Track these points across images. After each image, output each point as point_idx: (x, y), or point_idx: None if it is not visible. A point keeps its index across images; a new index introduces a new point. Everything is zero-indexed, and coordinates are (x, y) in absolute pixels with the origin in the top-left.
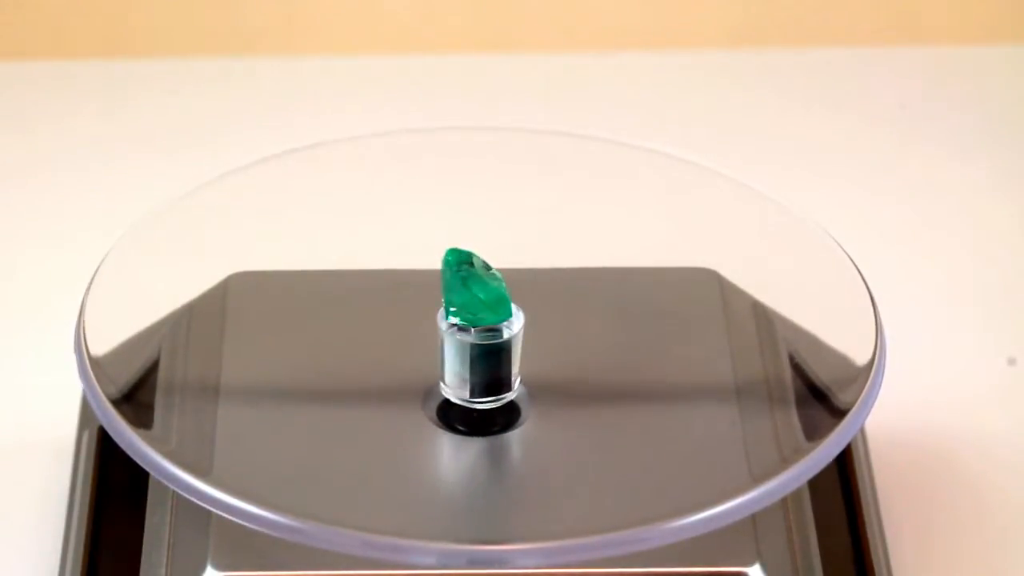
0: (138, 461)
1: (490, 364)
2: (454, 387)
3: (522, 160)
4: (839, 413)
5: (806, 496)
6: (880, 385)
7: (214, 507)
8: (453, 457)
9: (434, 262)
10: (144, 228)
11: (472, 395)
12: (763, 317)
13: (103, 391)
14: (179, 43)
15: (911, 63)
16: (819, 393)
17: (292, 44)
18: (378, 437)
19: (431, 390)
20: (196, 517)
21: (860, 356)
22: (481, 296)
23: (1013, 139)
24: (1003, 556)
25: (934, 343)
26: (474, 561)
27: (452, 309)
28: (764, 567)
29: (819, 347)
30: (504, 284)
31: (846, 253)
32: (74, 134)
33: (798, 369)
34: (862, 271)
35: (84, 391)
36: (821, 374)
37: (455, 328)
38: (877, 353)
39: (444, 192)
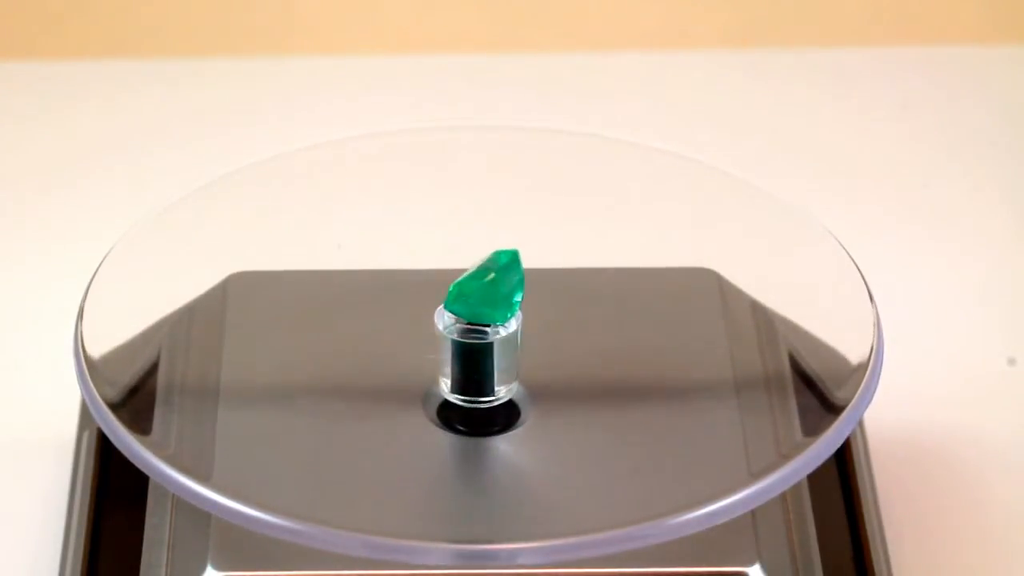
0: (138, 465)
1: (489, 364)
2: (453, 387)
3: (522, 160)
4: (837, 410)
5: (806, 496)
6: (878, 380)
7: (214, 510)
8: (453, 457)
9: (434, 262)
10: (144, 228)
11: (471, 395)
12: (763, 317)
13: (101, 395)
14: (179, 43)
15: (911, 63)
16: (818, 391)
17: (292, 44)
18: (378, 438)
19: (431, 390)
20: (196, 517)
21: (859, 355)
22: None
23: (1013, 139)
24: (1003, 556)
25: (934, 343)
26: (474, 560)
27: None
28: (764, 567)
29: (818, 346)
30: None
31: (846, 252)
32: (74, 134)
33: (797, 368)
34: (862, 270)
35: (83, 395)
36: (820, 373)
37: (454, 327)
38: (875, 348)
39: (444, 192)
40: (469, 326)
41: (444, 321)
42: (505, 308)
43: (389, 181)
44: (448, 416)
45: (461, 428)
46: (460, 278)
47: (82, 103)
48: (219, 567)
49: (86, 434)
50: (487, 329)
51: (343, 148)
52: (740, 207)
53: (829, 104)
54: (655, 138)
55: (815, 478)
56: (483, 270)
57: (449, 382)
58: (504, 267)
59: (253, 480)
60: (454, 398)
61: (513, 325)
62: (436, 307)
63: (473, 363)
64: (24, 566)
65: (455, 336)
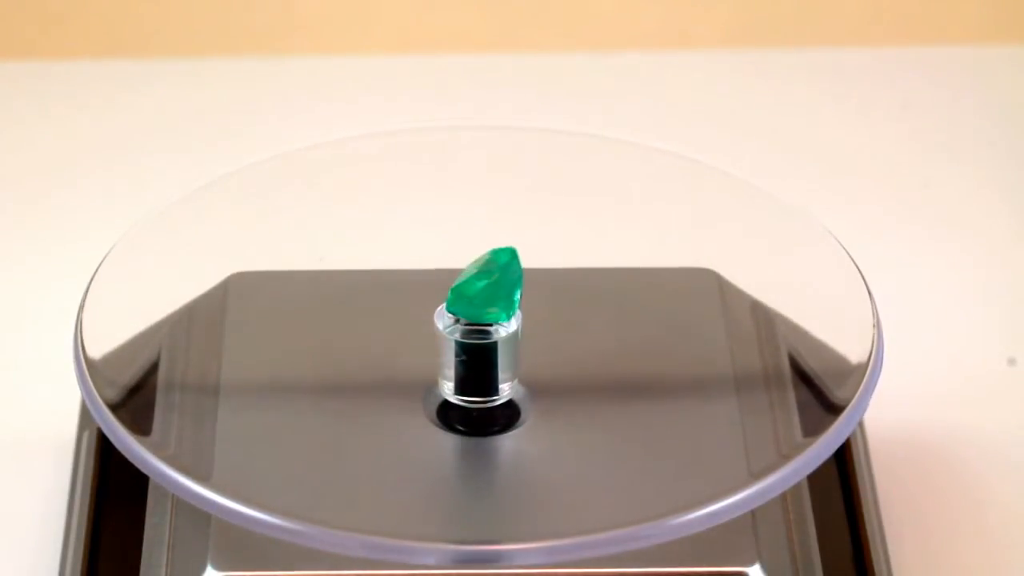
0: (137, 466)
1: (488, 364)
2: (453, 387)
3: (522, 160)
4: (837, 410)
5: (806, 496)
6: (877, 380)
7: (214, 511)
8: (453, 457)
9: (434, 262)
10: (144, 228)
11: (470, 395)
12: (763, 317)
13: (101, 395)
14: (179, 43)
15: (911, 63)
16: (818, 392)
17: (292, 44)
18: (378, 438)
19: (431, 390)
20: (196, 517)
21: (859, 355)
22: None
23: (1013, 139)
24: (1003, 556)
25: (934, 343)
26: (474, 560)
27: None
28: (764, 567)
29: (818, 347)
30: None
31: (846, 252)
32: (74, 134)
33: (797, 368)
34: (862, 270)
35: (83, 395)
36: (820, 373)
37: (456, 328)
38: (874, 348)
39: (443, 192)
40: (472, 326)
41: (444, 322)
42: (507, 306)
43: (389, 181)
44: (448, 416)
45: (461, 428)
46: (460, 279)
47: (82, 103)
48: (219, 567)
49: (86, 434)
50: (490, 328)
51: (343, 148)
52: (740, 207)
53: (829, 104)
54: (655, 138)
55: (815, 478)
56: (484, 271)
57: (449, 383)
58: (504, 266)
59: (253, 480)
60: (456, 399)
61: (515, 323)
62: (436, 307)
63: (478, 363)
64: (24, 566)
65: (459, 337)
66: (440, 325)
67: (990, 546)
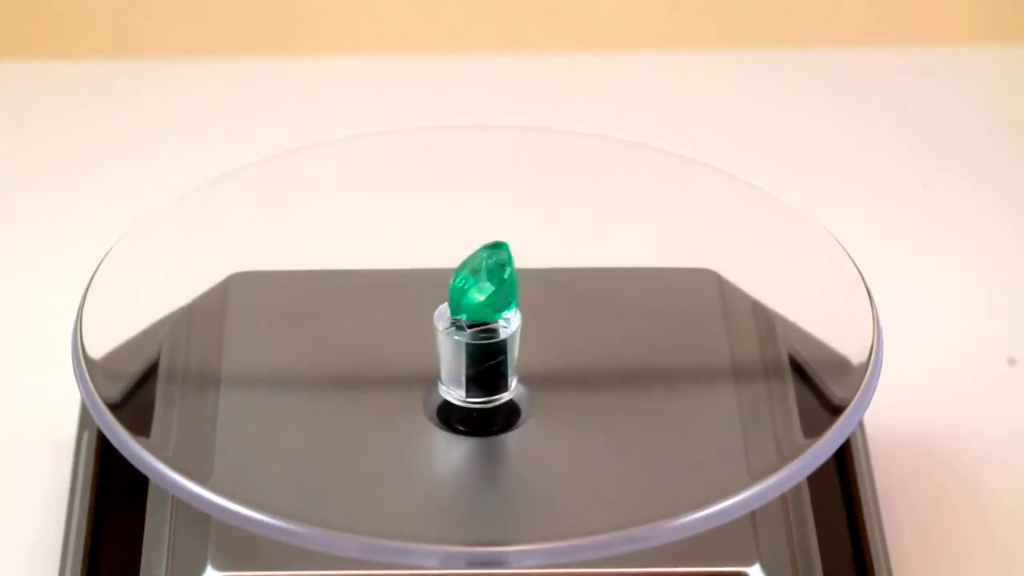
0: (137, 467)
1: (487, 364)
2: (452, 387)
3: (522, 159)
4: (837, 411)
5: (806, 496)
6: (877, 381)
7: (213, 512)
8: (453, 457)
9: (434, 262)
10: (144, 228)
11: (470, 395)
12: (763, 317)
13: (101, 395)
14: (179, 43)
15: (911, 63)
16: (818, 392)
17: (292, 44)
18: (378, 438)
19: (431, 390)
20: (196, 517)
21: (859, 355)
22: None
23: (1013, 139)
24: (1003, 555)
25: (934, 343)
26: (474, 562)
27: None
28: (764, 567)
29: (818, 347)
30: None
31: (846, 252)
32: (74, 134)
33: (797, 369)
34: (862, 271)
35: (82, 396)
36: (820, 374)
37: (452, 327)
38: (875, 348)
39: (443, 192)
40: (477, 326)
41: (444, 323)
42: (507, 304)
43: (389, 181)
44: (448, 416)
45: (461, 428)
46: (458, 281)
47: (82, 103)
48: (219, 567)
49: (86, 434)
50: (496, 326)
51: (343, 148)
52: (740, 207)
53: (829, 104)
54: (655, 138)
55: (815, 478)
56: (485, 271)
57: (449, 384)
58: (501, 262)
59: (253, 481)
60: (452, 398)
61: (518, 319)
62: (436, 307)
63: (490, 362)
64: (24, 566)
65: (468, 339)
66: (440, 326)
67: (990, 546)
